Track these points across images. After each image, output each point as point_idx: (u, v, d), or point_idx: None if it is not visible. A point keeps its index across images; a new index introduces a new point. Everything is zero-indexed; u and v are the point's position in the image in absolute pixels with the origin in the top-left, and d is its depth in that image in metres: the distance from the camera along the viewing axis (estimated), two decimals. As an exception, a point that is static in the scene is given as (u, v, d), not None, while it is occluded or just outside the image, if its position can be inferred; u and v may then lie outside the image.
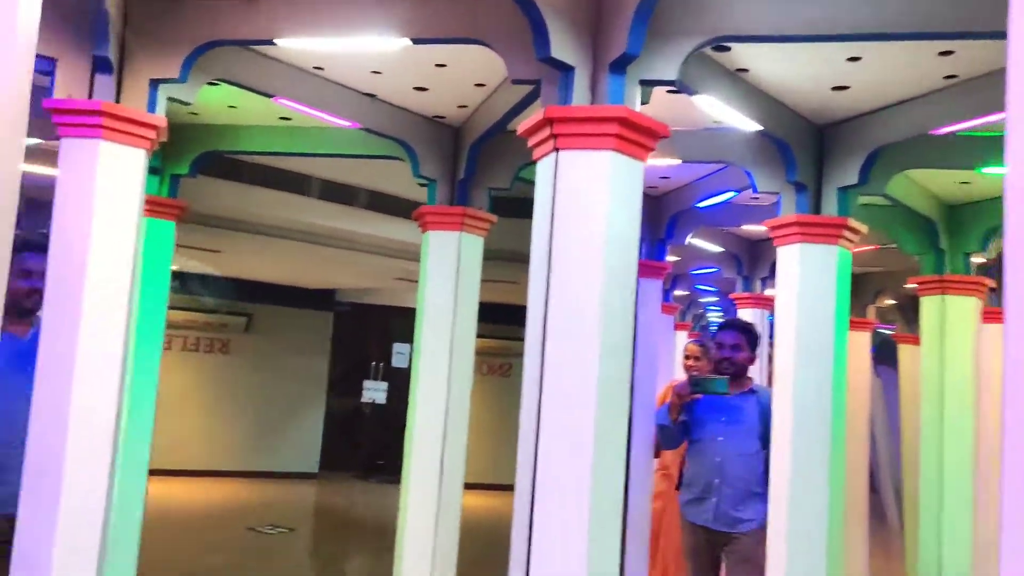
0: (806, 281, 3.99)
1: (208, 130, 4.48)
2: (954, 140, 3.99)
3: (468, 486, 4.43)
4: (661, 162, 4.46)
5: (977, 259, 5.48)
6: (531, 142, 2.86)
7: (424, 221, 4.34)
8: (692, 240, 6.33)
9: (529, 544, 2.62)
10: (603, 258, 2.66)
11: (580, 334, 2.64)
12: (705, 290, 9.78)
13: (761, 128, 3.78)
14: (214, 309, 11.04)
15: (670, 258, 6.43)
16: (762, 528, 3.85)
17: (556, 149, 2.72)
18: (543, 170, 2.81)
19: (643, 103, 2.82)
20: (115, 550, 3.56)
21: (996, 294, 6.57)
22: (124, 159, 2.87)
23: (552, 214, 2.71)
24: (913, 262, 5.76)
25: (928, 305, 5.37)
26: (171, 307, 11.01)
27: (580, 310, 2.65)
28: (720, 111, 3.64)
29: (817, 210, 4.05)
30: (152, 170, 4.36)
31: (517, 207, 6.56)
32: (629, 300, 2.76)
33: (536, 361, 2.69)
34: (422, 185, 4.43)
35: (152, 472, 4.18)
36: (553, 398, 2.63)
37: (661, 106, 3.41)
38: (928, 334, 5.32)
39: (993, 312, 6.04)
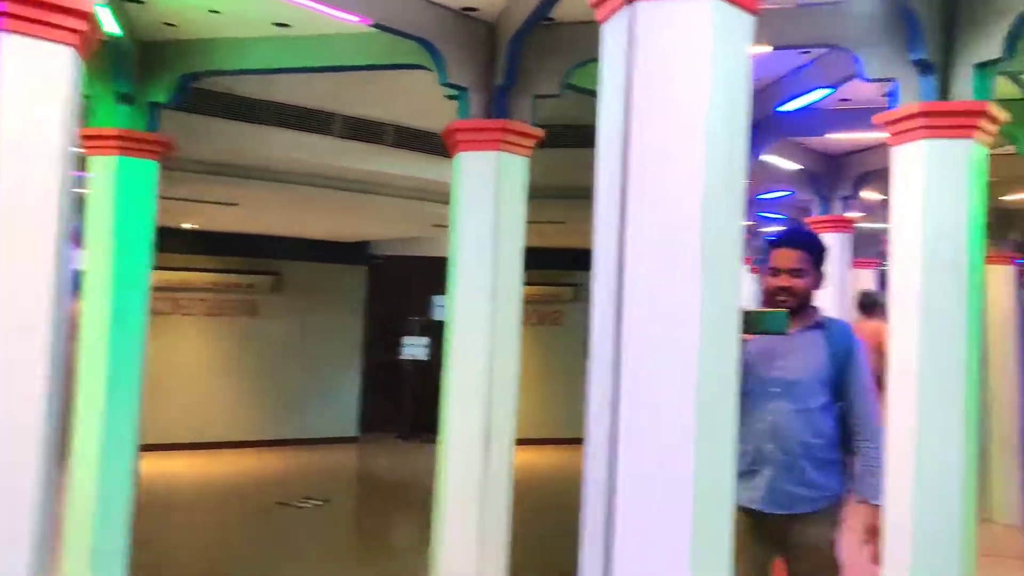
0: (934, 185, 3.25)
1: (188, 47, 3.81)
2: None
3: (518, 442, 3.91)
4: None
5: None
6: (593, -1, 2.15)
7: (455, 140, 3.66)
8: (766, 157, 5.55)
9: (610, 537, 1.98)
10: (704, 152, 1.97)
11: (675, 262, 1.97)
12: (772, 218, 8.96)
13: (879, -10, 3.00)
14: (238, 269, 10.53)
15: (737, 181, 5.66)
16: (836, 506, 3.01)
17: (631, 1, 2.01)
18: (613, 35, 2.11)
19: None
20: (102, 531, 3.06)
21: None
22: (41, 59, 2.20)
23: (628, 94, 2.01)
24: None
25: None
26: (190, 268, 10.50)
27: (673, 226, 1.98)
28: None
29: (945, 96, 3.28)
30: (124, 97, 3.75)
31: (563, 135, 5.86)
32: (738, 211, 2.08)
33: (610, 299, 2.02)
34: (451, 97, 3.74)
35: (177, 447, 3.62)
36: (638, 349, 1.98)
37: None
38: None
39: None
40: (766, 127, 4.91)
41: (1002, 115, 3.27)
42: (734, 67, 2.04)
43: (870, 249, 9.32)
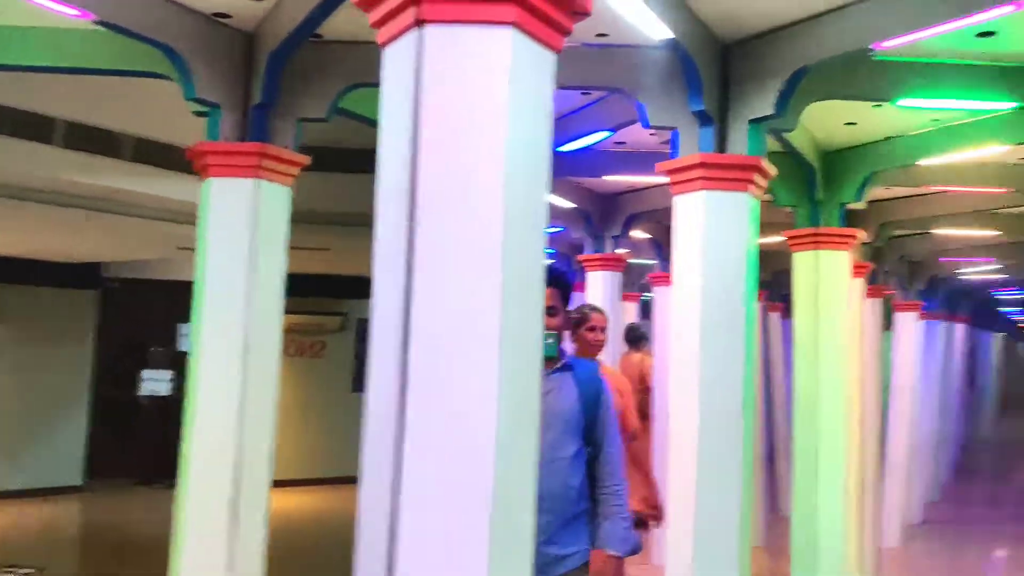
0: (713, 233, 3.25)
1: None
2: (878, 65, 3.38)
3: (274, 483, 3.49)
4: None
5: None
6: (374, 16, 1.80)
7: (204, 163, 3.13)
8: (542, 194, 5.49)
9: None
10: (502, 186, 1.70)
11: (473, 300, 1.68)
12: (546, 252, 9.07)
13: (665, 37, 2.93)
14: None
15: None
16: (587, 563, 2.78)
17: (420, 23, 1.69)
18: (397, 59, 1.77)
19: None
20: None
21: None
22: None
23: (416, 125, 1.69)
24: (784, 216, 5.26)
25: (802, 262, 4.89)
26: None
27: (470, 262, 1.69)
28: (622, 7, 2.74)
29: (723, 148, 3.31)
30: None
31: (327, 158, 5.40)
32: (539, 246, 1.84)
33: (395, 335, 1.69)
34: (200, 114, 3.20)
35: None
36: (428, 385, 1.67)
37: None
38: (802, 292, 4.84)
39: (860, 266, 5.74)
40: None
41: (772, 170, 3.36)
42: (534, 103, 1.79)
43: (633, 283, 9.72)
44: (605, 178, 5.36)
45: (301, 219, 3.45)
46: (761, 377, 8.53)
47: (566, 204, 5.99)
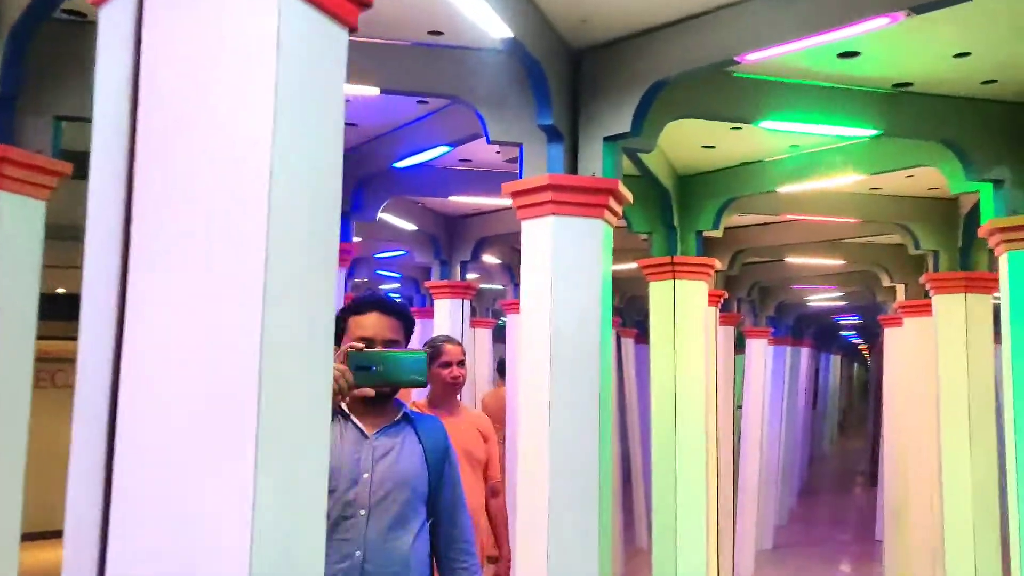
0: (563, 267, 2.87)
1: None
2: (741, 83, 3.13)
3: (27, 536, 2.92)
4: (352, 90, 3.01)
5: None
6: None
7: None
8: (382, 215, 4.99)
9: None
10: (266, 190, 1.20)
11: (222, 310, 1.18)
12: (388, 276, 8.53)
13: (507, 37, 2.52)
14: None
15: (355, 238, 5.03)
16: None
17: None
18: (113, 23, 1.25)
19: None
20: None
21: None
22: None
23: (134, 108, 1.18)
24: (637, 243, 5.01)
25: (658, 291, 4.63)
26: None
27: (215, 278, 1.19)
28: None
29: (574, 168, 2.94)
30: None
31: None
32: (326, 269, 1.36)
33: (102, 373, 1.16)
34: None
35: None
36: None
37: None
38: (658, 321, 4.58)
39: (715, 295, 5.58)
40: (382, 182, 4.33)
41: (628, 195, 3.03)
42: (315, 86, 1.31)
43: (486, 308, 9.34)
44: (451, 199, 4.93)
45: (64, 235, 2.81)
46: (615, 404, 8.35)
47: (408, 226, 5.52)
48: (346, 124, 3.88)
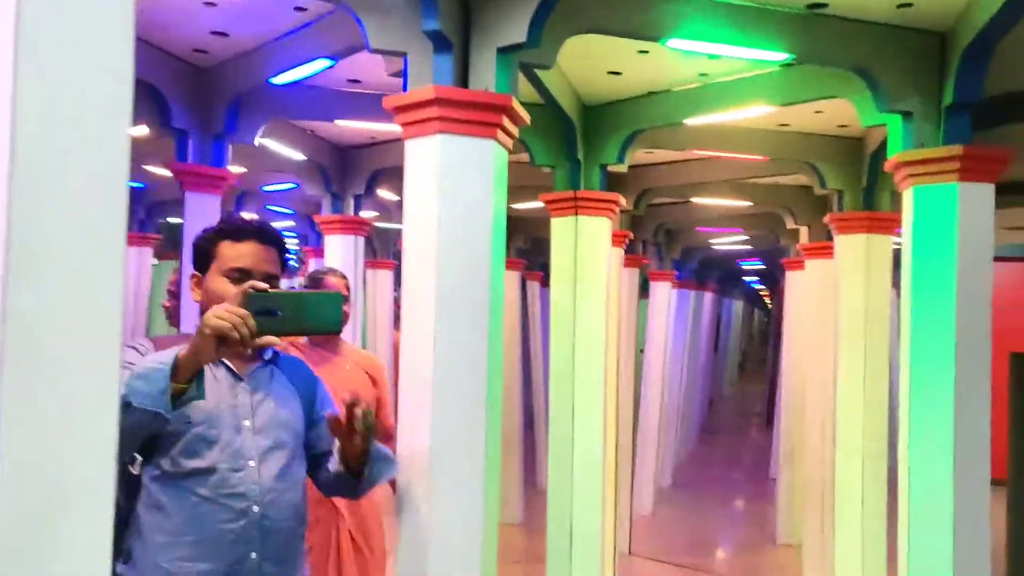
0: (451, 192, 2.61)
1: None
2: (646, -8, 2.88)
3: None
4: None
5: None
6: None
7: None
8: (264, 140, 4.58)
9: None
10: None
11: None
12: (279, 212, 8.06)
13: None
14: None
15: (235, 168, 4.61)
16: None
17: None
18: None
19: None
20: None
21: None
22: None
23: None
24: (541, 177, 4.78)
25: (560, 227, 4.43)
26: None
27: None
28: None
29: (465, 82, 2.66)
30: None
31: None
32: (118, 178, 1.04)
33: None
34: None
35: None
36: None
37: None
38: (560, 259, 4.40)
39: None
40: (259, 101, 3.94)
41: (525, 115, 2.77)
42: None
43: (388, 250, 9.01)
44: (340, 124, 4.56)
45: None
46: (519, 349, 8.22)
47: (296, 155, 5.12)
48: (216, 34, 3.47)
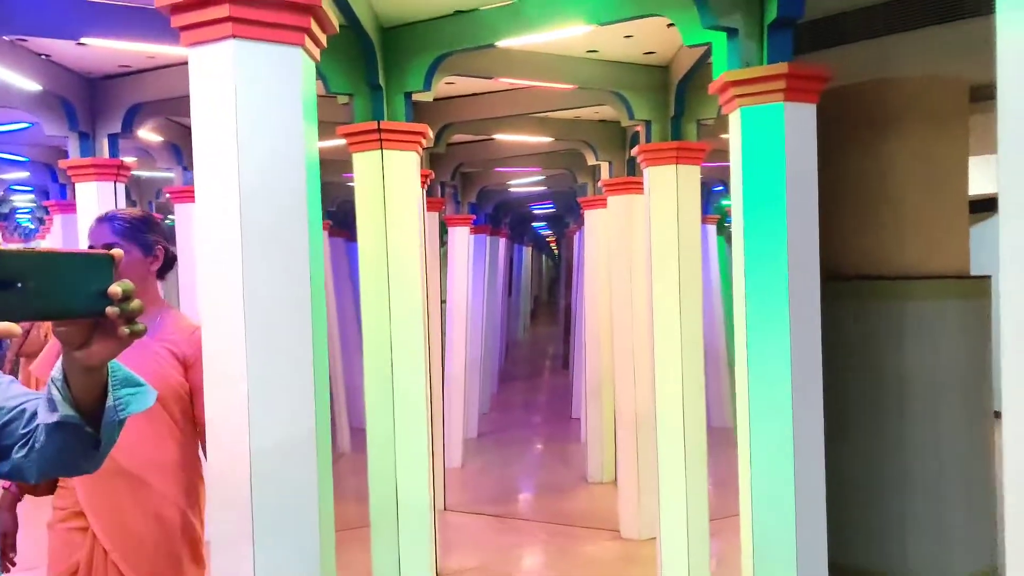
0: (248, 112, 2.20)
1: None
2: None
3: None
4: None
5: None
6: None
7: None
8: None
9: None
10: None
11: None
12: (11, 160, 6.91)
13: None
14: None
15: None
16: None
17: None
18: None
19: None
20: None
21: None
22: None
23: None
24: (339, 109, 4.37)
25: (364, 163, 4.07)
26: None
27: None
28: None
29: (250, -23, 2.23)
30: None
31: None
32: None
33: None
34: None
35: None
36: None
37: None
38: (366, 200, 4.05)
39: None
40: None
41: (334, 20, 2.39)
42: None
43: (149, 202, 8.10)
44: (86, 44, 3.84)
45: None
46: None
47: (30, 85, 4.31)
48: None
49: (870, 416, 3.53)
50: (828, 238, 3.12)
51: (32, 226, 13.76)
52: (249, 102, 2.19)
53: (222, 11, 2.12)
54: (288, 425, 2.28)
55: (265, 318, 2.22)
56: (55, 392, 1.27)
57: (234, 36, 2.14)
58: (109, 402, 1.29)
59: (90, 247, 2.24)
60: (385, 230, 4.00)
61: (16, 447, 1.34)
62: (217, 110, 2.19)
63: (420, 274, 4.16)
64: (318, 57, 2.43)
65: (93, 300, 1.11)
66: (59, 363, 1.26)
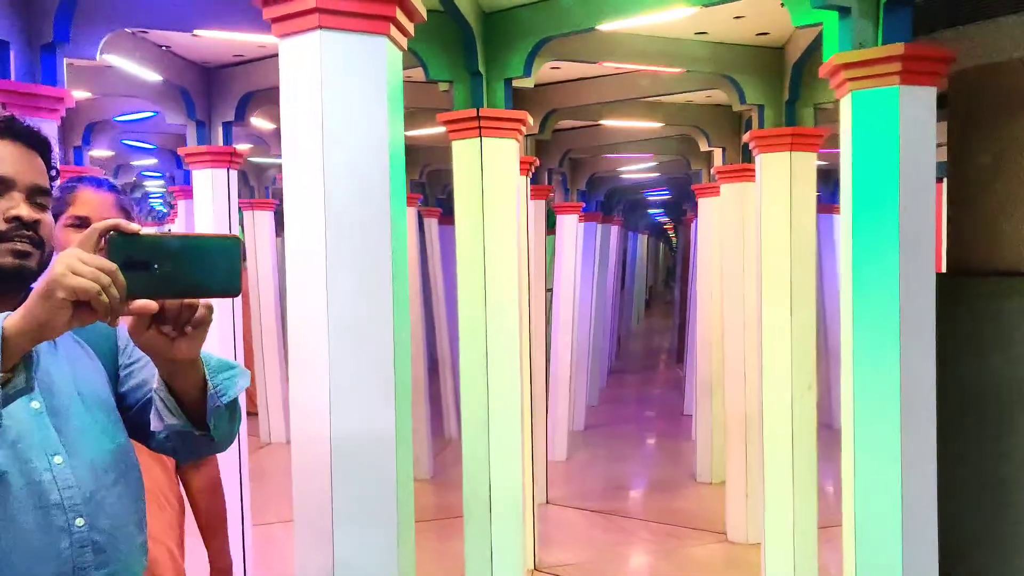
0: (336, 100, 2.28)
1: None
2: None
3: None
4: None
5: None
6: None
7: None
8: (111, 57, 4.06)
9: None
10: None
11: None
12: (139, 148, 7.40)
13: None
14: None
15: (78, 93, 4.08)
16: None
17: None
18: None
19: None
20: None
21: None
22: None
23: None
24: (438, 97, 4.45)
25: (463, 151, 4.13)
26: None
27: None
28: None
29: (345, -30, 2.31)
30: None
31: None
32: None
33: None
34: None
35: None
36: None
37: None
38: (464, 188, 4.11)
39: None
40: (98, 6, 3.44)
41: (421, 8, 2.45)
42: None
43: (265, 188, 8.49)
44: (199, 35, 4.06)
45: None
46: (419, 291, 7.92)
47: (151, 76, 4.60)
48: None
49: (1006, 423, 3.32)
50: (964, 230, 2.94)
51: (164, 210, 14.64)
52: (334, 92, 2.27)
53: (309, 2, 2.20)
54: (369, 420, 2.36)
55: (348, 305, 2.31)
56: (158, 402, 1.38)
57: (320, 27, 2.22)
58: (209, 390, 1.37)
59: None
60: (482, 218, 4.05)
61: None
62: (303, 101, 2.28)
63: (518, 263, 4.19)
64: (405, 46, 2.48)
65: (225, 279, 1.21)
66: (158, 374, 1.37)
